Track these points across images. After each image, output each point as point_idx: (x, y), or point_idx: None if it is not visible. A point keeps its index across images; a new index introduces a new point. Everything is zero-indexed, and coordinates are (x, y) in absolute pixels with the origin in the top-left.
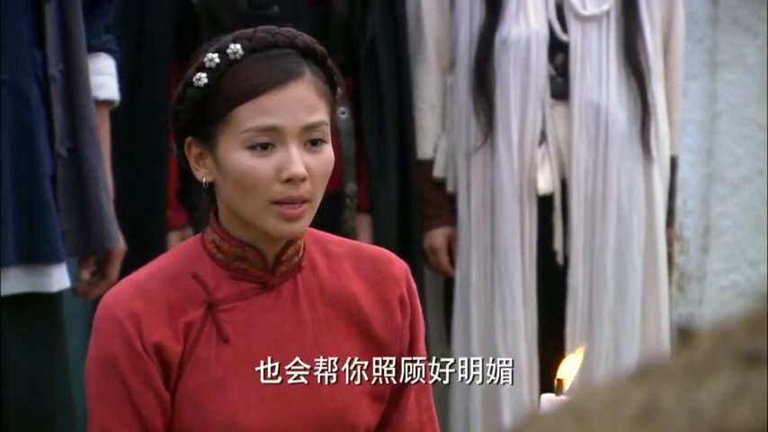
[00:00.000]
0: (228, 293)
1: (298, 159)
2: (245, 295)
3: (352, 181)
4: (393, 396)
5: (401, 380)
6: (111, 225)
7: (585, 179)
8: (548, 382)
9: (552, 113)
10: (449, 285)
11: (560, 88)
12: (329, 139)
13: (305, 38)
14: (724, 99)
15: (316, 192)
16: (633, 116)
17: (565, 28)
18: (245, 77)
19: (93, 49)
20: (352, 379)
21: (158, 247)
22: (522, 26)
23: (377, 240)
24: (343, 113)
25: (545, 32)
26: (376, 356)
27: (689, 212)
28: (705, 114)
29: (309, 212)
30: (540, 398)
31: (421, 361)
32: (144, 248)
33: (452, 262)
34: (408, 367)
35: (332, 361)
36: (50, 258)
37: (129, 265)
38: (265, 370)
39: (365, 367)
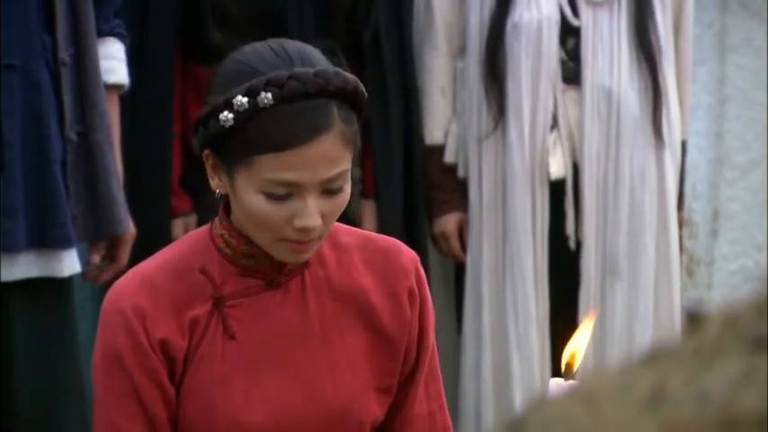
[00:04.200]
0: (235, 289)
1: (314, 212)
2: (251, 291)
3: (357, 166)
4: (402, 387)
5: (409, 371)
6: (120, 210)
7: (597, 164)
8: (560, 366)
9: (564, 98)
10: (459, 271)
11: (572, 73)
12: (349, 179)
13: (339, 81)
14: (733, 83)
15: (327, 229)
16: (645, 100)
17: (576, 12)
18: (272, 130)
19: (103, 33)
20: (357, 374)
21: (163, 234)
22: (534, 11)
23: (381, 226)
24: None
25: (556, 17)
26: (383, 349)
27: (698, 197)
28: (714, 98)
29: (318, 242)
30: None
31: (430, 351)
32: (148, 235)
33: (464, 247)
34: (417, 358)
35: (338, 357)
36: (61, 243)
37: (135, 252)
38: (270, 367)
39: (372, 361)
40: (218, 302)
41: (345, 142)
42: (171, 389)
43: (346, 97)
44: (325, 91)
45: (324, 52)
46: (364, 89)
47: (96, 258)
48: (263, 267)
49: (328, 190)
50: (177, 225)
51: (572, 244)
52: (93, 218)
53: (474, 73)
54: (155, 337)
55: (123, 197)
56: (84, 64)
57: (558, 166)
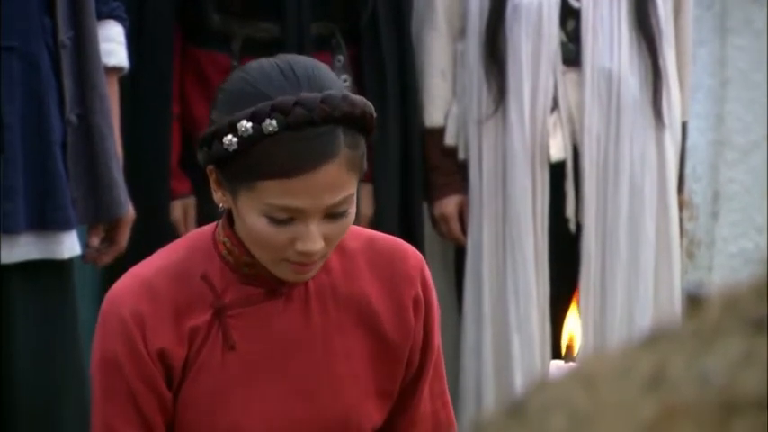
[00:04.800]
0: (236, 297)
1: (316, 237)
2: (253, 300)
3: None
4: (407, 390)
5: (414, 375)
6: (120, 192)
7: (597, 146)
8: (560, 348)
9: (564, 80)
10: (460, 253)
11: (572, 55)
12: (354, 202)
13: (346, 107)
14: (733, 65)
15: (330, 249)
16: (645, 82)
17: None
18: (276, 157)
19: (102, 16)
20: (359, 381)
21: (162, 216)
22: None
23: (378, 209)
24: (345, 81)
25: None
26: (386, 355)
27: (698, 179)
28: (714, 80)
29: (321, 261)
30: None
31: (435, 354)
32: (147, 217)
33: (464, 230)
34: (422, 362)
35: (339, 365)
36: (61, 225)
37: (134, 234)
38: (270, 377)
39: (374, 367)
40: (219, 312)
41: (351, 168)
42: (168, 395)
43: (353, 122)
44: (331, 118)
45: (321, 35)
46: (373, 110)
47: (95, 241)
48: (264, 276)
49: (332, 214)
50: (176, 207)
51: (572, 226)
52: (93, 200)
53: (474, 55)
54: (153, 346)
55: (123, 180)
56: (84, 46)
57: (558, 149)
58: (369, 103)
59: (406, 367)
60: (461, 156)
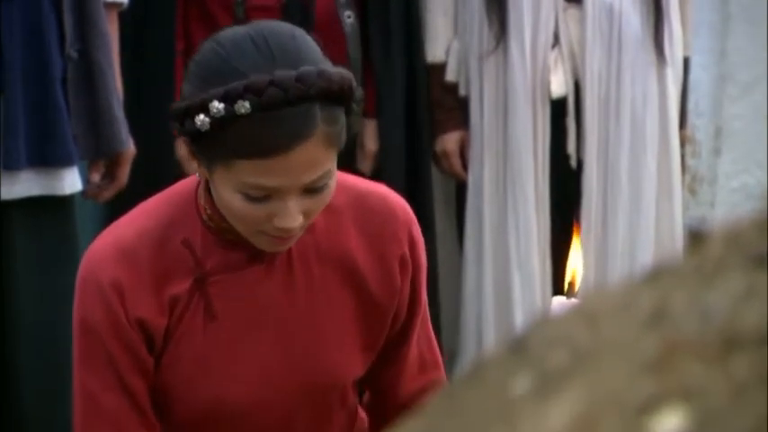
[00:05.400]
0: (218, 262)
1: (294, 213)
2: (235, 266)
3: (359, 86)
4: (394, 345)
5: (401, 330)
6: (121, 128)
7: (599, 82)
8: (560, 285)
9: (565, 16)
10: (461, 189)
11: None
12: (334, 175)
13: (322, 83)
14: (736, 0)
15: (310, 221)
16: (646, 18)
17: None
18: (250, 138)
19: None
20: (344, 339)
21: (166, 154)
22: None
23: (384, 145)
24: (349, 17)
25: None
26: (370, 312)
27: (700, 114)
28: (717, 16)
29: (301, 232)
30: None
31: (422, 309)
32: (152, 155)
33: (465, 165)
34: (409, 319)
35: (324, 325)
36: (62, 161)
37: (138, 171)
38: (253, 343)
39: (359, 323)
40: (200, 280)
41: (329, 144)
42: (149, 359)
43: (330, 98)
44: (307, 96)
45: None
46: (352, 80)
47: (96, 177)
48: (246, 241)
49: (310, 189)
50: (181, 145)
51: (573, 162)
52: (94, 135)
53: None
54: (133, 315)
55: (123, 115)
56: None
57: (559, 85)
58: (347, 75)
59: (393, 322)
60: (462, 92)
